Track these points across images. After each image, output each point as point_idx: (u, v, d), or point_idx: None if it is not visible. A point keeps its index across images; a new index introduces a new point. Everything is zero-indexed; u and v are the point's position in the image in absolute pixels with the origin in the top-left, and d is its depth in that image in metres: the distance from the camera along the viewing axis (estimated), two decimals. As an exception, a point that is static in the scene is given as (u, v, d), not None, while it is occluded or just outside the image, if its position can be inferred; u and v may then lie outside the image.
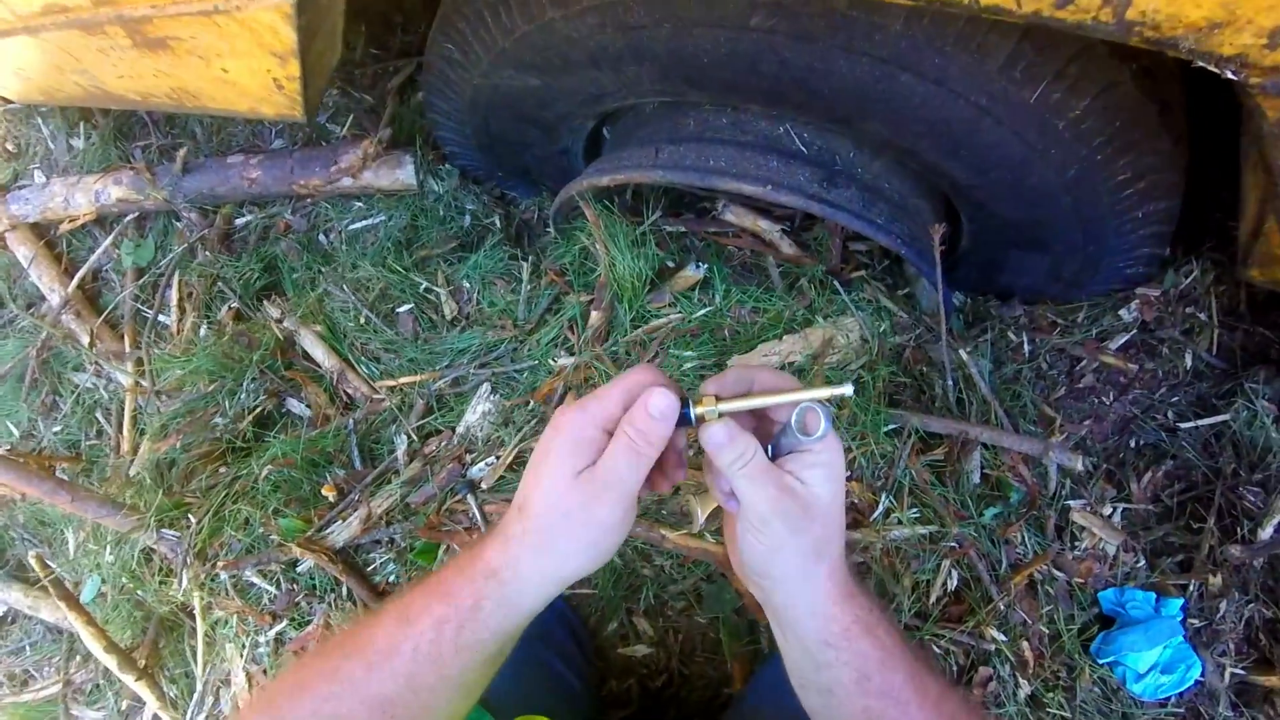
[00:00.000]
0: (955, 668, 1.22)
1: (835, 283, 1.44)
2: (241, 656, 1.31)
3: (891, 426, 1.28)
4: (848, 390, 0.55)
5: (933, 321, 1.47)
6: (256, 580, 1.29)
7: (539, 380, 1.39)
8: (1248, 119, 0.92)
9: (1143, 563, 1.27)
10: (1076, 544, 1.27)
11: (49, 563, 1.40)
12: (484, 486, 1.34)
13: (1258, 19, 0.61)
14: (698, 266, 1.41)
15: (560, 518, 0.56)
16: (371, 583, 1.32)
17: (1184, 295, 1.40)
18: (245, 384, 1.44)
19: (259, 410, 1.44)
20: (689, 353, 1.33)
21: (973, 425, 1.28)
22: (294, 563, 1.30)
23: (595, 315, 1.36)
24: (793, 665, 0.66)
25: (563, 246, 1.53)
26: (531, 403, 1.38)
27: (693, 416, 0.56)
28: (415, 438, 1.41)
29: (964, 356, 1.32)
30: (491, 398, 1.40)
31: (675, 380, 0.61)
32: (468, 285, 1.54)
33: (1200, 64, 0.67)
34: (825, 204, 1.19)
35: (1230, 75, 0.67)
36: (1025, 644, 1.20)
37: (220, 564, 1.25)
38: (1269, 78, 0.66)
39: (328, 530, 1.31)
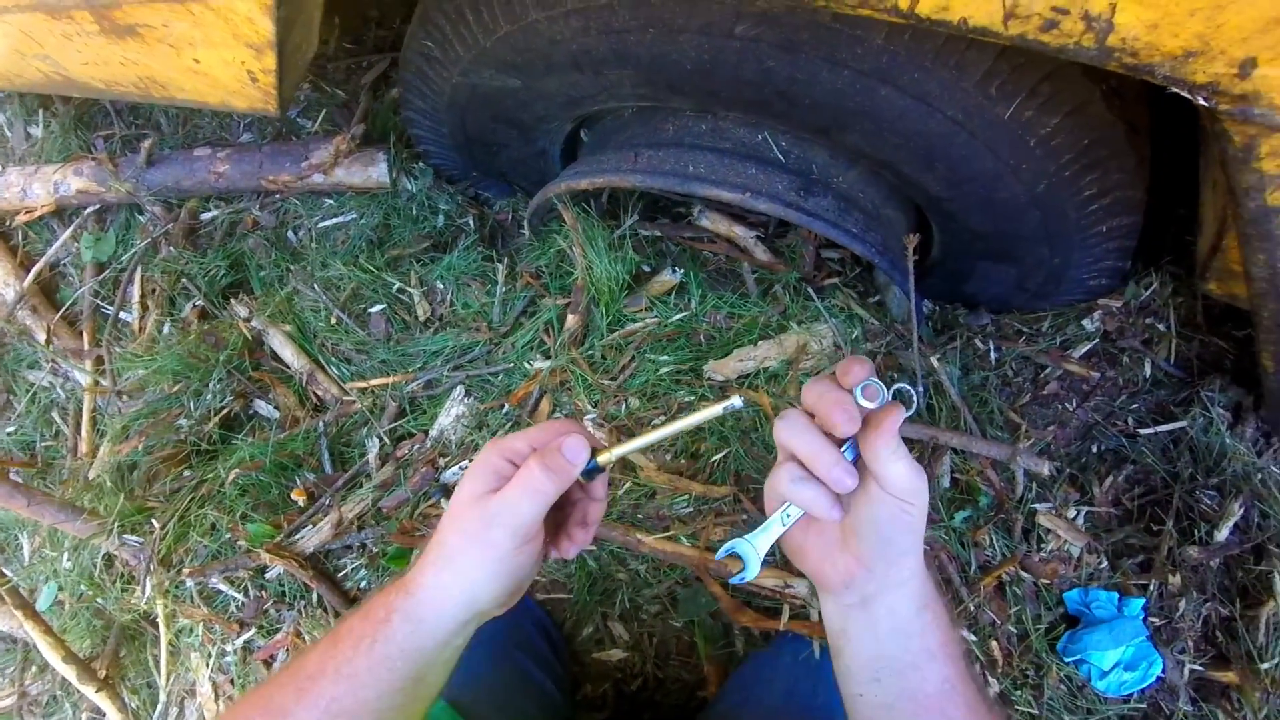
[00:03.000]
0: (924, 669, 1.24)
1: (809, 289, 1.46)
2: (207, 666, 1.28)
3: (864, 432, 1.30)
4: (738, 403, 0.58)
5: (903, 329, 1.50)
6: (223, 587, 1.26)
7: (514, 383, 1.38)
8: (1211, 142, 0.96)
9: (1105, 564, 1.30)
10: (1043, 546, 1.30)
11: (3, 570, 1.35)
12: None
13: (1230, 50, 0.63)
14: (674, 271, 1.41)
15: (459, 536, 0.59)
16: (343, 589, 1.30)
17: (1144, 306, 1.45)
18: (211, 385, 1.40)
19: (225, 412, 1.40)
20: (665, 357, 1.33)
21: (943, 431, 1.31)
22: (262, 569, 1.27)
23: (572, 319, 1.36)
24: (863, 670, 0.64)
25: (538, 249, 1.52)
26: (506, 406, 1.37)
27: (597, 464, 0.62)
28: (387, 441, 1.39)
29: (934, 363, 1.34)
30: (465, 401, 1.39)
31: (593, 436, 0.65)
32: (441, 286, 1.53)
33: (1173, 89, 0.69)
34: (802, 212, 1.20)
35: (1201, 101, 0.69)
36: (994, 643, 1.23)
37: (185, 571, 1.22)
38: (1237, 105, 0.68)
39: (297, 536, 1.28)
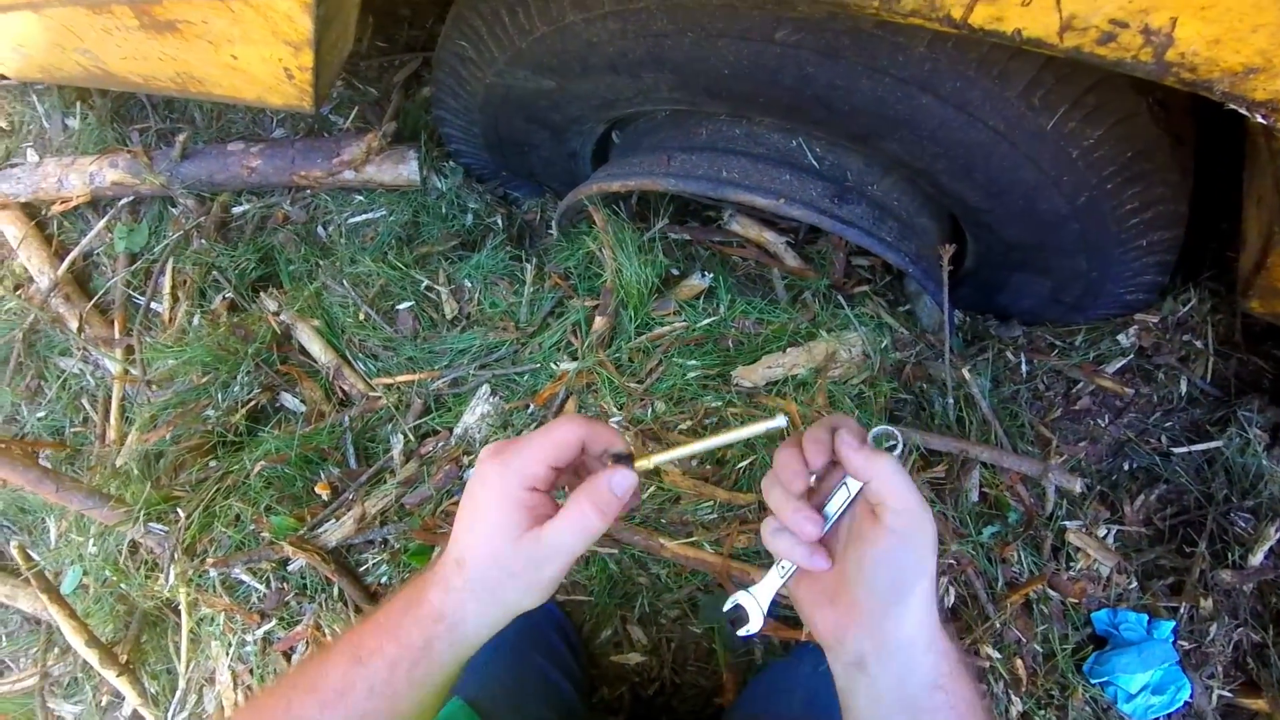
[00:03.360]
0: (947, 684, 1.23)
1: (839, 297, 1.44)
2: (227, 655, 1.28)
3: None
4: (781, 423, 0.58)
5: (933, 339, 1.48)
6: (245, 578, 1.27)
7: (540, 384, 1.38)
8: (1262, 159, 0.94)
9: (1135, 584, 1.28)
10: (1072, 564, 1.28)
11: (31, 553, 1.36)
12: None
13: (1293, 64, 0.62)
14: (703, 275, 1.40)
15: (504, 575, 0.58)
16: (363, 584, 1.30)
17: (1181, 323, 1.42)
18: (239, 377, 1.41)
19: (252, 404, 1.41)
20: (692, 361, 1.32)
21: (973, 444, 1.29)
22: (284, 561, 1.28)
23: (600, 321, 1.35)
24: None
25: (567, 250, 1.51)
26: (532, 406, 1.36)
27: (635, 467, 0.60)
28: (412, 438, 1.39)
29: (965, 375, 1.32)
30: (491, 400, 1.39)
31: (610, 426, 0.63)
32: (469, 285, 1.53)
33: (1231, 106, 0.68)
34: (836, 219, 1.19)
35: (1259, 119, 0.67)
36: (1019, 662, 1.20)
37: (209, 561, 1.23)
38: (1297, 121, 0.67)
39: (320, 529, 1.28)
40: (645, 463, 0.61)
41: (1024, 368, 1.48)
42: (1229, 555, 1.26)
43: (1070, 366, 1.45)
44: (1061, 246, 1.23)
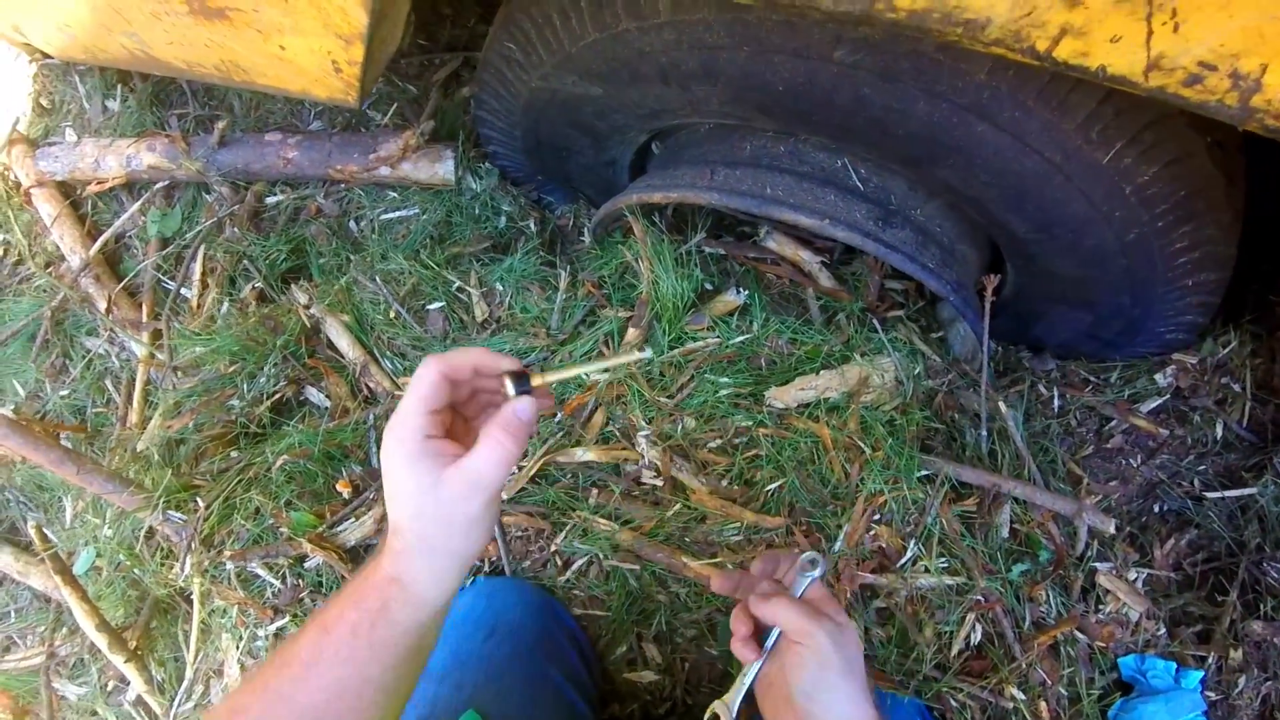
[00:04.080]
0: (970, 720, 1.20)
1: (874, 321, 1.42)
2: (237, 648, 1.26)
3: (924, 473, 1.26)
4: (648, 354, 0.72)
5: (966, 368, 1.46)
6: (261, 572, 1.25)
7: (568, 393, 1.36)
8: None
9: (1163, 631, 1.25)
10: (1101, 607, 1.25)
11: (47, 533, 1.35)
12: (504, 496, 1.30)
13: (1387, 114, 0.60)
14: (738, 292, 1.38)
15: (434, 523, 0.60)
16: (379, 584, 1.28)
17: (1220, 365, 1.39)
18: (266, 368, 1.40)
19: (278, 396, 1.40)
20: (725, 379, 1.30)
21: (1005, 479, 1.26)
22: (302, 558, 1.26)
23: (633, 333, 1.33)
24: None
25: (602, 258, 1.50)
26: (560, 415, 1.34)
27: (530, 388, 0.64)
28: (435, 439, 1.37)
29: (1001, 407, 1.30)
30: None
31: (477, 349, 0.66)
32: (500, 288, 1.51)
33: (1314, 150, 0.65)
34: (880, 243, 1.17)
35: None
36: (1043, 704, 1.17)
37: (226, 553, 1.21)
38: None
39: (340, 527, 1.26)
40: (539, 379, 0.64)
41: (1056, 402, 1.46)
42: (1260, 606, 1.23)
43: (1104, 404, 1.42)
44: (1106, 282, 1.21)
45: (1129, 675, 1.21)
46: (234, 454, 1.36)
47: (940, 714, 1.21)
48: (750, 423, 1.28)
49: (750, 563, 0.77)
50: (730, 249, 1.50)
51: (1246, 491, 1.31)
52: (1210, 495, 1.33)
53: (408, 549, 0.61)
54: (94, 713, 1.47)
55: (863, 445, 1.25)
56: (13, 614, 1.55)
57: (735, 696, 0.76)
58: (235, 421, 1.37)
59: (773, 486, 1.23)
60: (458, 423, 0.67)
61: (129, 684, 1.36)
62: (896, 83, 0.96)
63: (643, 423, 1.30)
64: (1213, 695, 1.20)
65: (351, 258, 1.60)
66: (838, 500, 1.25)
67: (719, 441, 1.27)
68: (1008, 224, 1.17)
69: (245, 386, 1.39)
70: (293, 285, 1.53)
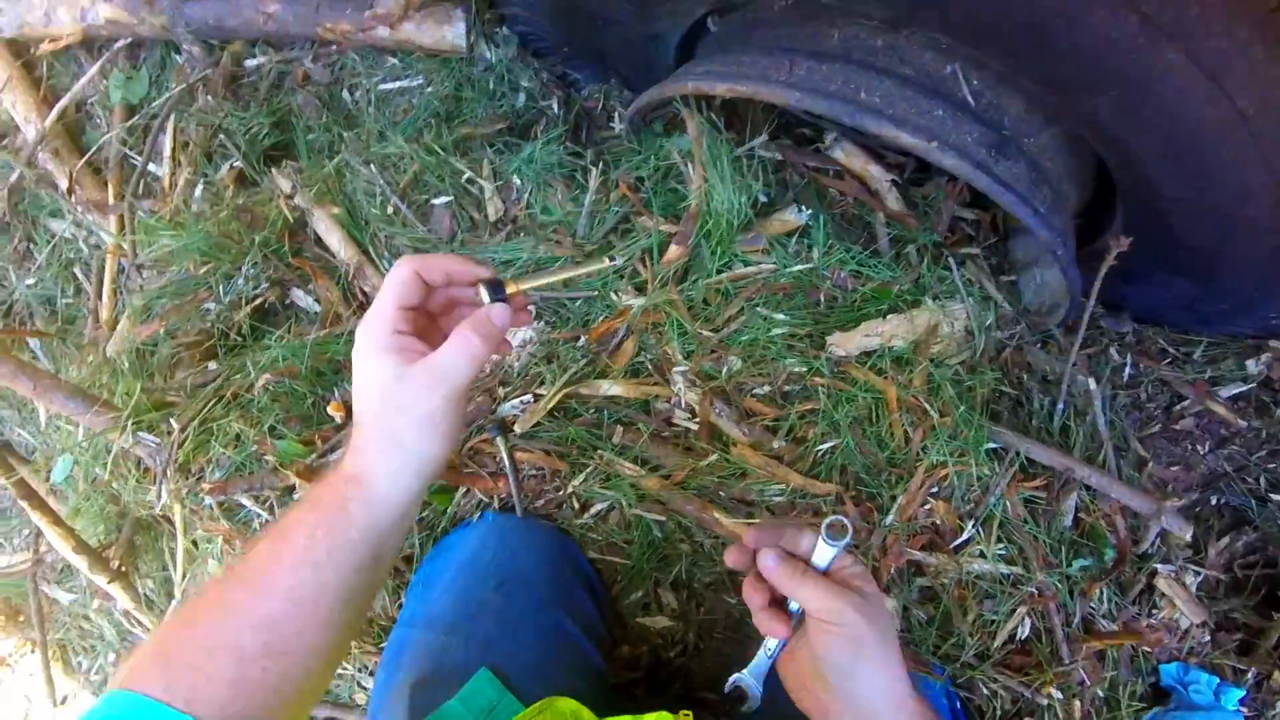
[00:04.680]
0: (999, 711, 1.09)
1: (949, 258, 1.20)
2: (225, 578, 1.14)
3: (992, 446, 1.09)
4: (618, 262, 0.68)
5: (1038, 320, 1.25)
6: (246, 503, 1.11)
7: (595, 315, 1.16)
8: None
9: (1208, 638, 1.13)
10: (1155, 611, 1.11)
11: (10, 460, 1.19)
12: (517, 430, 1.14)
13: None
14: (799, 210, 1.15)
15: (396, 415, 0.58)
16: (377, 520, 1.14)
17: None
18: (244, 268, 1.20)
19: (259, 301, 1.21)
20: (779, 315, 1.10)
21: (1081, 464, 1.09)
22: (290, 488, 1.11)
23: (675, 250, 1.11)
24: None
25: (639, 155, 1.25)
26: (583, 339, 1.15)
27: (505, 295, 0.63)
28: (440, 359, 1.19)
29: (1091, 386, 1.11)
30: (535, 325, 1.18)
31: (451, 255, 0.64)
32: (519, 182, 1.28)
33: None
34: (993, 178, 0.93)
35: None
36: (1077, 704, 1.06)
37: (205, 486, 1.06)
38: None
39: (331, 456, 1.11)
40: (513, 287, 0.63)
41: (1128, 370, 1.29)
42: None
43: (1181, 381, 1.27)
44: (1241, 259, 0.99)
45: (1169, 683, 1.09)
46: (211, 366, 1.18)
47: (966, 700, 1.10)
48: (805, 369, 1.09)
49: (750, 535, 0.69)
50: (790, 155, 1.25)
51: (1314, 500, 1.15)
52: (1275, 497, 1.20)
53: (367, 443, 0.59)
54: (86, 618, 1.39)
55: (929, 409, 1.06)
56: (-6, 514, 1.44)
57: (760, 669, 0.71)
58: (212, 328, 1.19)
59: (825, 447, 1.06)
60: (432, 330, 0.65)
61: (115, 601, 1.26)
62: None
63: (680, 357, 1.11)
64: (1247, 711, 1.09)
65: (344, 135, 1.36)
66: (894, 467, 1.08)
67: (767, 388, 1.08)
68: (1152, 178, 0.92)
69: (221, 289, 1.20)
70: (274, 169, 1.29)
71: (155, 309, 1.18)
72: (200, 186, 1.30)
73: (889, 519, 1.06)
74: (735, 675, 0.72)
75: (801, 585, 0.64)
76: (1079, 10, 0.73)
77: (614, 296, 1.15)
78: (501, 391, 1.16)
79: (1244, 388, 1.24)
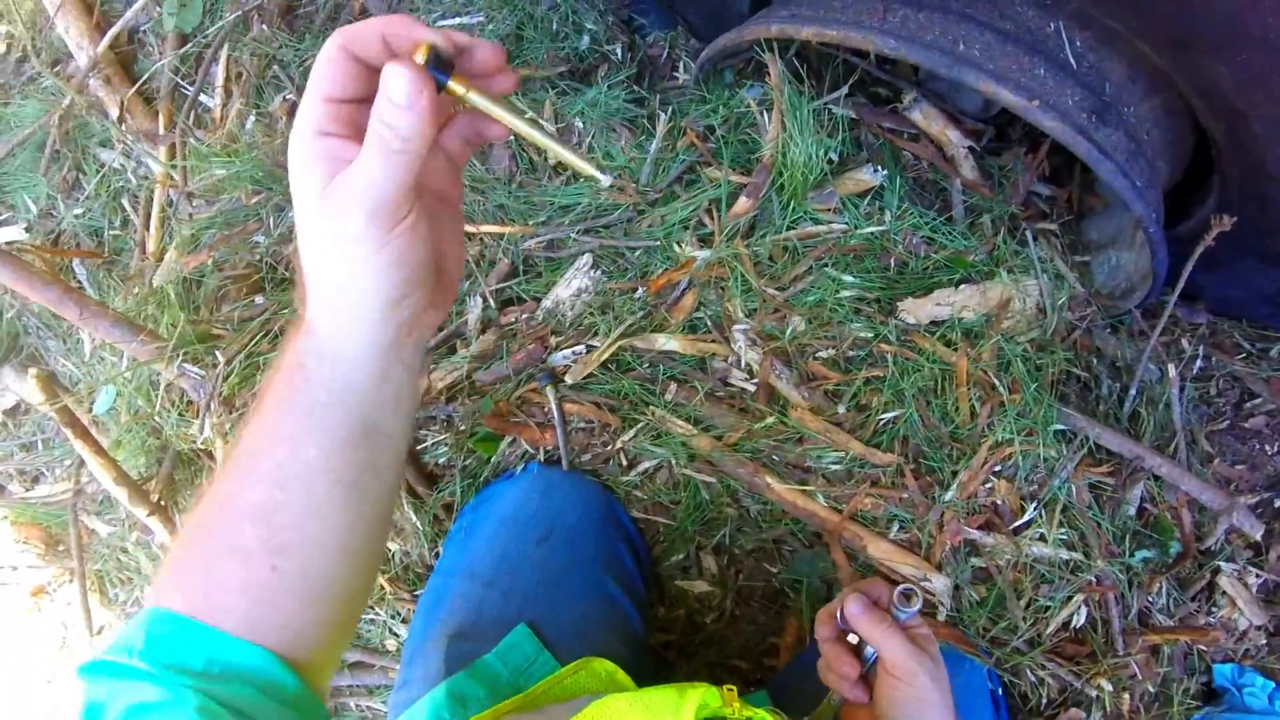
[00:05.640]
0: (1044, 699, 1.04)
1: (1027, 232, 1.12)
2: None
3: (1060, 428, 1.02)
4: (606, 182, 0.50)
5: (1108, 304, 1.17)
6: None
7: (655, 266, 1.10)
8: None
9: (1265, 642, 1.07)
10: (1215, 610, 1.05)
11: (56, 385, 1.15)
12: (568, 380, 1.08)
13: None
14: (875, 170, 1.07)
15: (319, 250, 0.44)
16: (419, 462, 1.10)
17: None
18: (297, 202, 1.14)
19: (310, 236, 1.15)
20: (849, 277, 1.03)
21: (1152, 454, 1.02)
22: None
23: (744, 202, 1.04)
24: None
25: (709, 104, 1.17)
26: (641, 291, 1.09)
27: (448, 83, 0.42)
28: (492, 303, 1.13)
29: (1171, 373, 1.03)
30: (591, 273, 1.11)
31: (387, 18, 0.43)
32: (581, 126, 1.21)
33: None
34: (1094, 145, 0.85)
35: None
36: (1126, 697, 1.00)
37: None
38: None
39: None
40: (459, 87, 0.42)
41: (1199, 363, 1.23)
42: None
43: (1254, 377, 1.21)
44: None
45: (1222, 684, 1.04)
46: (259, 300, 1.14)
47: (1011, 684, 1.04)
48: (872, 335, 1.02)
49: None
50: (866, 114, 1.17)
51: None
52: None
53: (308, 284, 0.46)
54: (124, 550, 1.36)
55: (999, 384, 0.99)
56: (39, 444, 1.41)
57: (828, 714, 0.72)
58: (260, 262, 1.14)
59: (888, 416, 0.99)
60: None
61: (153, 534, 1.23)
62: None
63: (742, 315, 1.04)
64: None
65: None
66: (957, 442, 1.01)
67: (831, 352, 1.02)
68: (1263, 157, 0.83)
69: (272, 220, 1.15)
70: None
71: (204, 239, 1.13)
72: (253, 118, 1.24)
73: (949, 495, 1.00)
74: None
75: (886, 635, 0.66)
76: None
77: (676, 248, 1.09)
78: (554, 340, 1.10)
79: (1320, 385, 1.17)
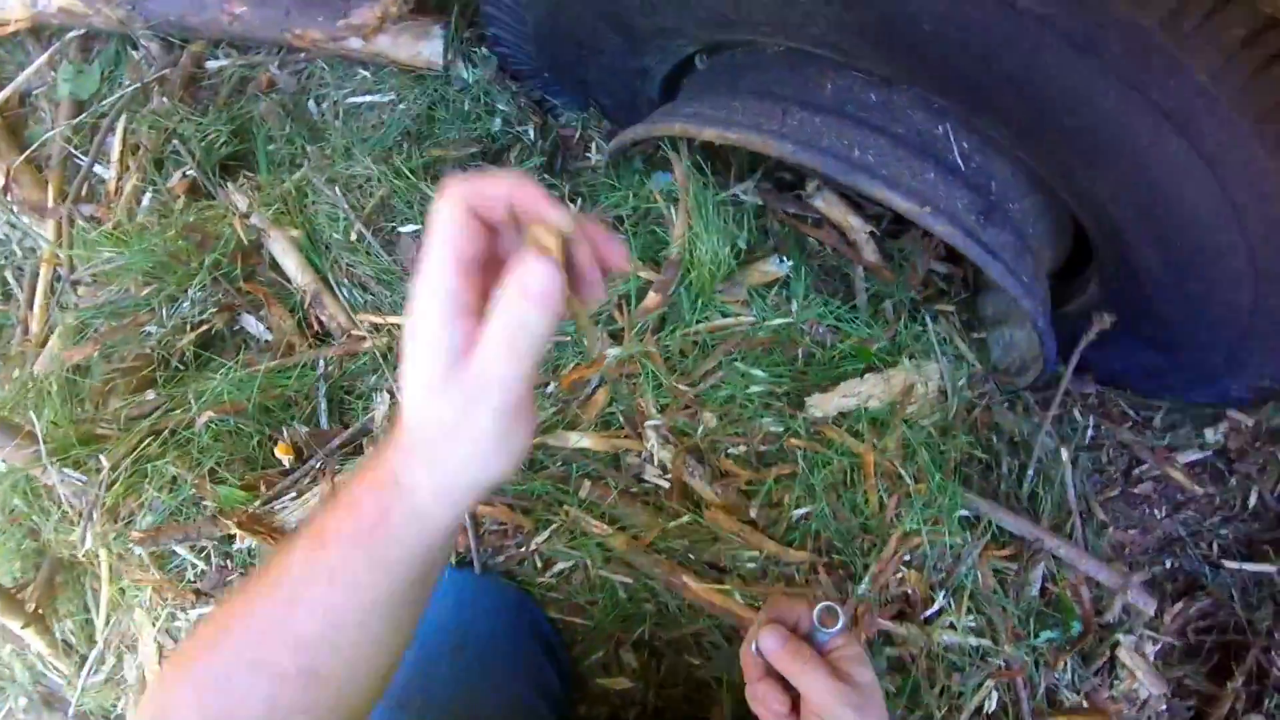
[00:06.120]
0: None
1: (926, 317, 1.15)
2: (154, 625, 1.03)
3: (965, 514, 1.04)
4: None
5: (1007, 380, 1.22)
6: (180, 550, 0.99)
7: (567, 361, 1.08)
8: None
9: (1165, 708, 1.11)
10: (1116, 682, 1.08)
11: None
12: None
13: None
14: (781, 261, 1.08)
15: (438, 430, 0.44)
16: (324, 569, 1.04)
17: (1274, 432, 1.20)
18: (192, 290, 1.08)
19: (206, 327, 1.09)
20: (758, 371, 1.03)
21: (1050, 535, 1.07)
22: (230, 536, 1.00)
23: (654, 298, 1.04)
24: None
25: (619, 190, 1.17)
26: (553, 386, 1.07)
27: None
28: (400, 399, 1.09)
29: (1064, 457, 1.08)
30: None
31: (513, 179, 0.41)
32: (490, 215, 1.18)
33: None
34: (983, 248, 0.87)
35: None
36: None
37: (135, 535, 0.94)
38: None
39: (278, 504, 1.00)
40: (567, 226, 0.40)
41: (1090, 432, 1.27)
42: (1265, 701, 1.08)
43: (1141, 445, 1.25)
44: (1211, 336, 0.96)
45: None
46: (149, 395, 1.06)
47: None
48: (782, 429, 1.02)
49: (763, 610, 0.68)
50: (771, 200, 1.19)
51: (1265, 569, 1.16)
52: (1228, 564, 1.18)
53: (415, 447, 0.45)
54: (-1, 658, 1.25)
55: (904, 474, 1.01)
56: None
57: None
58: (152, 354, 1.07)
59: (800, 512, 0.99)
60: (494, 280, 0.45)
61: (30, 647, 1.13)
62: (1092, 60, 0.64)
63: (654, 411, 1.03)
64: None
65: (308, 149, 1.25)
66: (868, 534, 1.02)
67: (743, 448, 1.02)
68: (1135, 253, 0.88)
69: (165, 311, 1.08)
70: (230, 183, 1.18)
71: (90, 329, 1.05)
72: (149, 195, 1.17)
73: (862, 588, 1.00)
74: None
75: (803, 672, 0.62)
76: (1087, 94, 0.68)
77: (584, 342, 1.07)
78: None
79: (1201, 455, 1.23)
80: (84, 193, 1.22)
